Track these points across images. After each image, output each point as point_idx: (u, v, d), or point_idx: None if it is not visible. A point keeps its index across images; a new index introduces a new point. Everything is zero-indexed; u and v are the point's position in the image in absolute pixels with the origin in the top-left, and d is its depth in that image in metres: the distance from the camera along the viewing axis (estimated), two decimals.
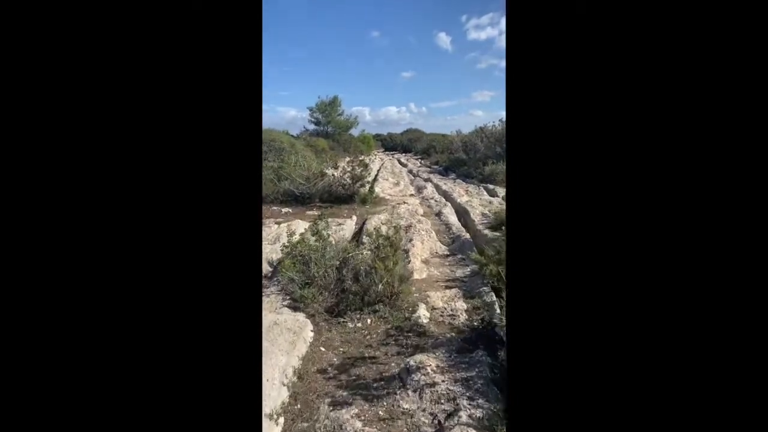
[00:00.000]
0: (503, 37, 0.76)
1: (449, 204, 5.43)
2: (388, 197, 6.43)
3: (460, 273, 3.01)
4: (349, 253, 2.66)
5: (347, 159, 5.86)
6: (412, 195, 6.69)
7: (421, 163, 14.99)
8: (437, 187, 7.37)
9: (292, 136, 18.67)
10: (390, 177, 9.23)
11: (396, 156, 21.53)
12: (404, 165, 14.09)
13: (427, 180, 8.70)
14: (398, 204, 5.56)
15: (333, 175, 5.56)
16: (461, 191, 6.69)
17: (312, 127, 23.71)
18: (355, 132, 26.00)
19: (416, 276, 2.88)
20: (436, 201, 5.81)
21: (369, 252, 2.67)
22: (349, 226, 4.25)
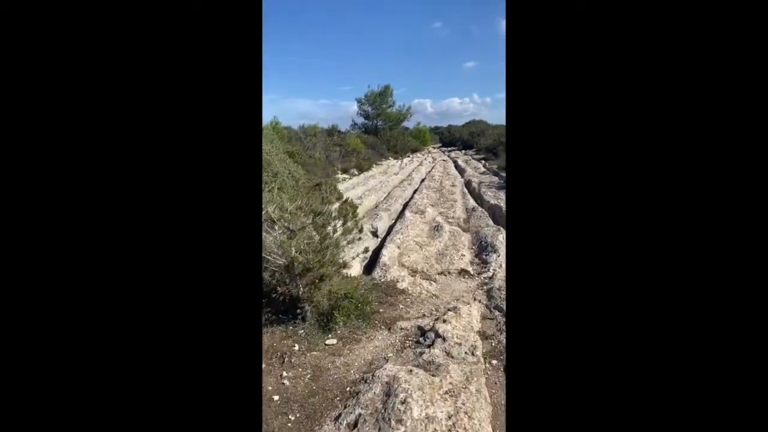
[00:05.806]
0: None
1: None
2: (404, 280, 2.73)
3: None
4: None
5: (301, 203, 2.22)
6: (465, 271, 2.90)
7: (485, 167, 10.73)
8: None
9: (340, 132, 15.48)
10: (430, 205, 5.39)
11: (453, 154, 17.29)
12: (462, 171, 10.05)
13: (497, 209, 4.79)
14: (420, 345, 1.86)
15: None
16: None
17: (361, 120, 20.42)
18: (410, 124, 22.15)
19: None
20: None
21: None
22: None
